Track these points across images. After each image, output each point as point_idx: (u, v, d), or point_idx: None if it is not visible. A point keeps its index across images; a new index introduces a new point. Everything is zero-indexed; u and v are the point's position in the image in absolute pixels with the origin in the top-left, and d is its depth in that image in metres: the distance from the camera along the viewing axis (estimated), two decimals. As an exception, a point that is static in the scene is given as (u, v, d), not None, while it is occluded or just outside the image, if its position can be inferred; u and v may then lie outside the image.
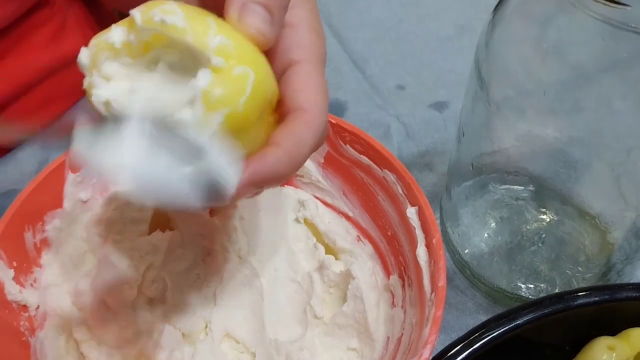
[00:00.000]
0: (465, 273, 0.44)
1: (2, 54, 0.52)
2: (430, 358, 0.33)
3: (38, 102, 0.56)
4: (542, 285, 0.43)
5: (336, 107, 0.58)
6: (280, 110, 0.28)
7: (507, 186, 0.45)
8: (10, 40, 0.52)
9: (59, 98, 0.57)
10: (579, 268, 0.44)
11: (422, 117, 0.57)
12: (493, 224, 0.46)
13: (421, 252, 0.35)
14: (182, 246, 0.39)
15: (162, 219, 0.40)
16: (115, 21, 0.28)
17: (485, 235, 0.45)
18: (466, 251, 0.44)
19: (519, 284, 0.43)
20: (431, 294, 0.33)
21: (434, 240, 0.34)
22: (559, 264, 0.44)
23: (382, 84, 0.60)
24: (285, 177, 0.27)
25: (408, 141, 0.55)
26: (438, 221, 0.48)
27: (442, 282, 0.32)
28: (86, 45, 0.28)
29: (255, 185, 0.26)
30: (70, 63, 0.57)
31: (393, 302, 0.38)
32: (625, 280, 0.44)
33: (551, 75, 0.36)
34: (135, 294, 0.36)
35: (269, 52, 0.27)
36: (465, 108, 0.40)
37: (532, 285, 0.43)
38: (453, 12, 0.67)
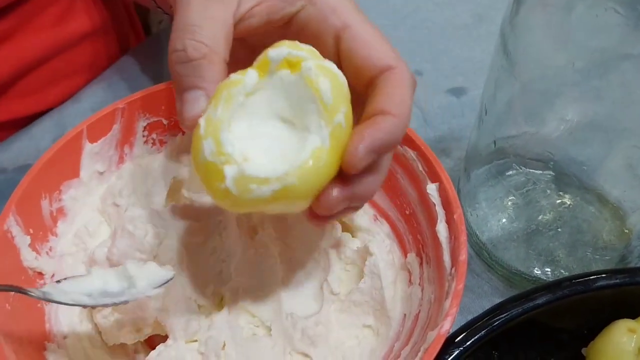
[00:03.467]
0: (482, 256, 0.44)
1: (10, 32, 0.52)
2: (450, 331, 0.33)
3: (45, 80, 0.56)
4: (560, 269, 0.43)
5: (353, 92, 0.57)
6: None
7: (527, 170, 0.44)
8: (18, 19, 0.52)
9: (66, 77, 0.57)
10: (597, 253, 0.43)
11: (439, 103, 0.56)
12: (511, 208, 0.45)
13: (441, 229, 0.34)
14: (198, 220, 0.38)
15: (177, 191, 0.40)
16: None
17: (504, 219, 0.45)
18: (484, 234, 0.44)
19: (536, 267, 0.43)
20: (451, 268, 0.32)
21: (455, 216, 0.34)
22: (576, 248, 0.44)
23: (399, 70, 0.59)
24: (398, 140, 0.29)
25: (425, 127, 0.55)
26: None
27: (463, 256, 0.32)
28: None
29: (374, 151, 0.28)
30: (77, 42, 0.57)
31: (410, 280, 0.37)
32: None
33: (574, 59, 0.36)
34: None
35: None
36: (488, 87, 0.40)
37: (549, 269, 0.43)
38: (470, 1, 0.67)
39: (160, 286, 0.32)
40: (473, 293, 0.43)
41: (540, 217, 0.44)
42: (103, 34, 0.61)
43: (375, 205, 0.42)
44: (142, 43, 0.64)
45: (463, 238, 0.33)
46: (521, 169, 0.44)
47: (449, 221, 0.34)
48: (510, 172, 0.44)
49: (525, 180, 0.44)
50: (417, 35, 0.63)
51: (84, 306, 0.33)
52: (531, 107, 0.37)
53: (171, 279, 0.32)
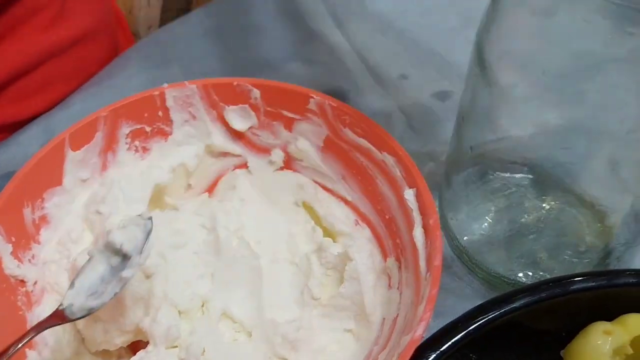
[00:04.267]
0: (463, 259, 0.44)
1: (0, 36, 0.52)
2: (425, 337, 0.33)
3: (35, 86, 0.57)
4: (540, 272, 0.43)
5: (338, 97, 0.57)
6: None
7: (507, 174, 0.45)
8: (6, 25, 0.53)
9: (56, 82, 0.58)
10: (578, 255, 0.44)
11: (424, 107, 0.57)
12: (492, 212, 0.46)
13: (418, 234, 0.35)
14: (181, 225, 0.39)
15: (159, 198, 0.40)
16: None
17: (485, 223, 0.45)
18: (465, 238, 0.44)
19: (517, 270, 0.43)
20: (427, 273, 0.33)
21: (430, 221, 0.34)
22: (557, 251, 0.44)
23: (384, 74, 0.60)
24: None
25: (409, 131, 0.55)
26: (437, 208, 0.48)
27: (437, 261, 0.32)
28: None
29: None
30: (67, 48, 0.58)
31: (390, 284, 0.38)
32: (625, 266, 0.44)
33: (553, 62, 0.36)
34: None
35: None
36: (465, 93, 0.40)
37: (530, 272, 0.43)
38: (458, 4, 0.67)
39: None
40: (455, 296, 0.44)
41: (520, 221, 0.45)
42: (93, 39, 0.62)
43: (356, 210, 0.42)
44: (132, 48, 0.64)
45: (438, 243, 0.33)
46: (500, 174, 0.44)
47: (425, 226, 0.35)
48: (490, 177, 0.45)
49: (505, 185, 0.44)
50: (403, 39, 0.64)
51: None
52: (507, 113, 0.37)
53: (150, 218, 0.33)
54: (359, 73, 0.60)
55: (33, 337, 0.31)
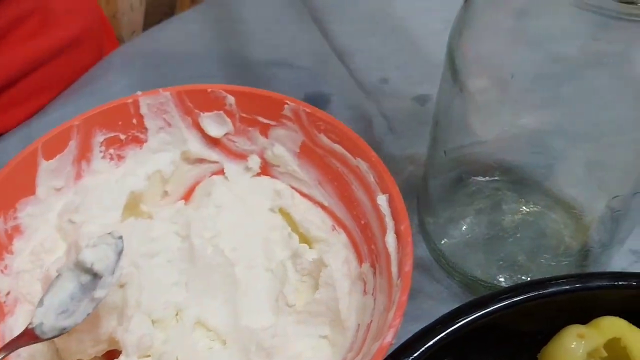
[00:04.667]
0: (441, 263, 0.44)
1: None
2: (399, 343, 0.33)
3: (23, 95, 0.56)
4: (518, 275, 0.43)
5: (319, 100, 0.58)
6: None
7: (484, 178, 0.45)
8: None
9: (43, 91, 0.58)
10: (557, 257, 0.44)
11: (404, 110, 0.57)
12: (470, 215, 0.46)
13: (390, 239, 0.35)
14: (155, 233, 0.39)
15: (134, 206, 0.40)
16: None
17: (462, 226, 0.45)
18: (443, 241, 0.44)
19: (495, 274, 0.43)
20: (398, 279, 0.33)
21: (402, 227, 0.34)
22: (536, 254, 0.44)
23: (366, 78, 0.60)
24: None
25: (390, 134, 0.55)
26: (415, 212, 0.48)
27: (408, 267, 0.32)
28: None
29: None
30: (52, 56, 0.58)
31: (365, 290, 0.38)
32: (602, 268, 0.44)
33: (524, 66, 0.36)
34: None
35: None
36: (439, 98, 0.40)
37: (508, 276, 0.43)
38: (441, 8, 0.67)
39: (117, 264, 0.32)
40: (432, 299, 0.44)
41: (498, 224, 0.45)
42: (78, 46, 0.61)
43: (333, 216, 0.42)
44: (113, 53, 0.64)
45: (409, 249, 0.33)
46: (477, 178, 0.44)
47: (397, 232, 0.35)
48: (467, 181, 0.45)
49: (482, 188, 0.45)
50: (388, 41, 0.64)
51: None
52: (479, 117, 0.37)
53: (120, 237, 0.33)
54: (340, 77, 0.60)
55: (3, 357, 0.31)
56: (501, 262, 0.44)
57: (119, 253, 0.33)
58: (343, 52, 0.62)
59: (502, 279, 0.43)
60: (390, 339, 0.30)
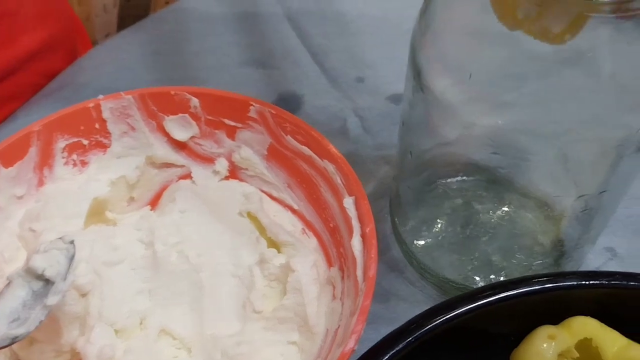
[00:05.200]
0: (414, 265, 0.44)
1: None
2: (366, 349, 0.33)
3: None
4: (493, 275, 0.43)
5: (292, 101, 0.57)
6: None
7: (455, 178, 0.44)
8: None
9: (17, 98, 0.56)
10: (531, 257, 0.43)
11: (379, 110, 0.56)
12: (442, 216, 0.45)
13: (356, 243, 0.34)
14: (118, 241, 0.38)
15: (99, 213, 0.39)
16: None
17: (434, 227, 0.45)
18: (415, 243, 0.44)
19: (469, 275, 0.43)
20: (362, 283, 0.32)
21: (367, 230, 0.34)
22: (510, 253, 0.43)
23: (340, 77, 0.59)
24: None
25: (364, 134, 0.55)
26: (388, 214, 0.47)
27: (372, 271, 0.32)
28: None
29: None
30: (23, 63, 0.57)
31: (334, 295, 0.37)
32: (577, 266, 0.43)
33: (488, 64, 0.35)
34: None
35: None
36: (405, 100, 0.40)
37: (483, 276, 0.43)
38: (417, 6, 0.66)
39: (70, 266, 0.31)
40: (406, 302, 0.43)
41: (471, 225, 0.44)
42: (50, 50, 0.60)
43: (303, 219, 0.42)
44: (84, 56, 0.63)
45: (374, 253, 0.32)
46: (449, 178, 0.44)
47: (363, 235, 0.34)
48: (439, 181, 0.44)
49: (453, 189, 0.44)
50: (361, 41, 0.63)
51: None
52: (442, 118, 0.37)
53: (72, 242, 0.32)
54: (314, 76, 0.59)
55: None
56: (475, 263, 0.44)
57: (71, 258, 0.32)
58: (317, 52, 0.62)
59: (476, 280, 0.43)
60: (352, 346, 0.29)
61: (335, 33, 0.64)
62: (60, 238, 0.32)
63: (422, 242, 0.44)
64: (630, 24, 0.30)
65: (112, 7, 0.74)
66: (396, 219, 0.45)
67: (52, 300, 0.31)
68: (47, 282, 0.32)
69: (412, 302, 0.43)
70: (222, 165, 0.42)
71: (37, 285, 0.32)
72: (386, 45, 0.62)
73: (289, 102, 0.57)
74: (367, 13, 0.66)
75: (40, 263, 0.31)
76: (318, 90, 0.58)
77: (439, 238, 0.44)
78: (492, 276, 0.43)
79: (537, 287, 0.36)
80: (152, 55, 0.62)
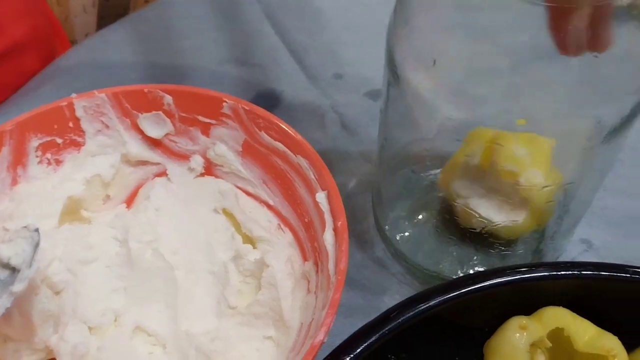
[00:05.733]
0: (398, 259, 0.44)
1: None
2: (337, 342, 0.33)
3: None
4: (473, 267, 0.43)
5: (271, 98, 0.57)
6: None
7: (434, 171, 0.44)
8: None
9: None
10: (510, 247, 0.43)
11: (357, 106, 0.56)
12: (423, 210, 0.45)
13: (328, 237, 0.34)
14: (93, 239, 0.38)
15: (72, 211, 0.39)
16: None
17: (415, 221, 0.45)
18: (398, 237, 0.44)
19: (451, 267, 0.43)
20: (334, 277, 0.32)
21: (339, 224, 0.34)
22: (489, 245, 0.44)
23: (319, 74, 0.59)
24: None
25: (343, 131, 0.55)
26: (370, 210, 0.48)
27: (343, 264, 0.32)
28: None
29: None
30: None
31: (308, 289, 0.37)
32: (555, 257, 0.44)
33: (462, 57, 0.36)
34: (38, 287, 0.35)
35: None
36: (384, 96, 0.40)
37: (463, 268, 0.43)
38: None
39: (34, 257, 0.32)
40: (389, 295, 0.44)
41: (454, 218, 0.44)
42: (26, 50, 0.60)
43: (278, 214, 0.42)
44: (63, 56, 0.63)
45: (345, 246, 0.33)
46: (430, 171, 0.44)
47: (335, 229, 0.34)
48: (419, 176, 0.44)
49: (433, 182, 0.44)
50: (342, 37, 0.63)
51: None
52: (427, 112, 0.37)
53: (37, 230, 0.32)
54: (293, 73, 0.60)
55: None
56: (454, 254, 0.44)
57: (36, 246, 0.32)
58: (296, 49, 0.62)
59: (457, 271, 0.43)
60: (321, 338, 0.29)
61: (314, 30, 0.64)
62: (25, 227, 0.32)
63: (403, 235, 0.44)
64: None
65: (91, 7, 0.73)
66: (380, 214, 0.45)
67: (17, 287, 0.31)
68: (14, 270, 0.32)
69: (395, 294, 0.44)
70: (197, 162, 0.42)
71: (4, 274, 0.32)
72: (365, 42, 0.62)
73: (267, 99, 0.57)
74: (345, 10, 0.66)
75: (5, 252, 0.31)
76: (297, 87, 0.58)
77: (420, 231, 0.44)
78: (474, 268, 0.43)
79: (509, 279, 0.37)
80: (131, 54, 0.62)
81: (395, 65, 0.36)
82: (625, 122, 0.32)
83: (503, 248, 0.44)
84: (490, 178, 0.39)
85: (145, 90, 0.40)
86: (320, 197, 0.36)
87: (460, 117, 0.37)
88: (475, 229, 0.42)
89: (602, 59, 0.30)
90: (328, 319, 0.30)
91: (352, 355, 0.33)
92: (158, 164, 0.43)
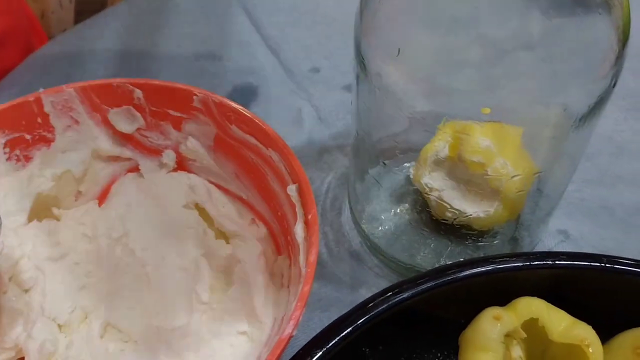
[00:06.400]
0: (374, 252, 0.44)
1: None
2: (309, 336, 0.32)
3: None
4: (450, 259, 0.43)
5: (248, 92, 0.57)
6: None
7: (408, 164, 0.44)
8: None
9: None
10: (485, 238, 0.43)
11: (334, 100, 0.56)
12: (398, 202, 0.45)
13: (299, 229, 0.34)
14: (61, 236, 0.37)
15: (42, 208, 0.39)
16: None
17: (390, 214, 0.45)
18: (374, 231, 0.44)
19: (427, 258, 0.43)
20: (304, 269, 0.32)
21: (309, 216, 0.33)
22: (464, 235, 0.44)
23: (296, 68, 0.59)
24: None
25: (320, 124, 0.54)
26: (346, 204, 0.47)
27: (313, 257, 0.31)
28: None
29: None
30: None
31: (282, 283, 0.37)
32: (531, 246, 0.44)
33: (429, 49, 0.35)
34: (6, 285, 0.34)
35: None
36: (354, 90, 0.40)
37: (440, 259, 0.43)
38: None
39: None
40: (366, 288, 0.43)
41: (426, 210, 0.44)
42: (2, 46, 0.59)
43: (252, 208, 0.41)
44: (36, 53, 0.62)
45: (314, 239, 0.32)
46: (404, 164, 0.44)
47: (306, 222, 0.34)
48: (394, 169, 0.44)
49: (407, 176, 0.44)
50: (316, 31, 0.63)
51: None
52: (396, 105, 0.37)
53: None
54: (269, 67, 0.59)
55: None
56: (431, 246, 0.44)
57: None
58: (273, 43, 0.61)
59: (435, 264, 0.43)
60: (290, 331, 0.29)
61: (291, 24, 0.63)
62: None
63: (379, 229, 0.44)
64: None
65: (68, 2, 0.73)
66: (355, 207, 0.45)
67: None
68: None
69: (372, 287, 0.43)
70: (169, 157, 0.42)
71: None
72: (341, 35, 0.62)
73: (244, 94, 0.57)
74: (322, 4, 0.66)
75: None
76: (273, 81, 0.58)
77: (396, 224, 0.44)
78: (447, 259, 0.43)
79: (483, 269, 0.37)
80: (106, 50, 0.61)
81: (363, 57, 0.36)
82: (593, 109, 0.32)
83: (478, 239, 0.44)
84: (460, 170, 0.39)
85: (114, 84, 0.40)
86: (292, 189, 0.35)
87: (427, 109, 0.37)
88: (449, 221, 0.42)
89: (567, 47, 0.30)
90: (297, 312, 0.29)
91: (325, 349, 0.33)
92: (130, 159, 0.42)
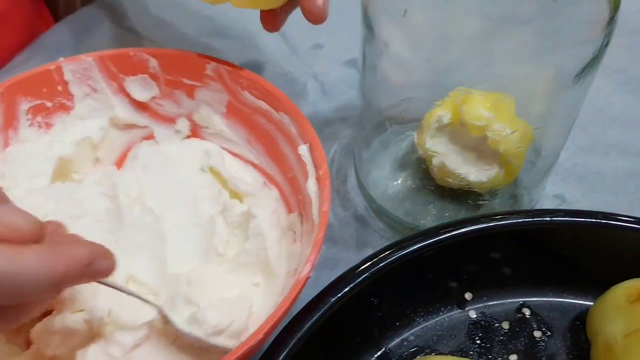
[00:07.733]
0: (380, 217, 0.46)
1: None
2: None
3: None
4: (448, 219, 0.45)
5: (253, 69, 0.58)
6: None
7: (412, 131, 0.46)
8: None
9: None
10: (486, 197, 0.45)
11: (337, 74, 0.58)
12: (401, 168, 0.47)
13: (311, 185, 0.36)
14: (82, 195, 0.39)
15: (64, 172, 0.41)
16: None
17: (395, 179, 0.47)
18: (380, 195, 0.46)
19: (431, 220, 0.45)
20: (317, 219, 0.34)
21: (321, 172, 0.35)
22: (465, 196, 0.45)
23: (300, 45, 0.61)
24: None
25: (323, 97, 0.56)
26: (352, 171, 0.49)
27: (325, 207, 0.33)
28: None
29: None
30: None
31: (294, 239, 0.39)
32: (531, 205, 0.46)
33: (437, 10, 0.37)
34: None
35: None
36: (360, 56, 0.42)
37: (438, 221, 0.45)
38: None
39: None
40: (371, 249, 0.45)
41: (429, 176, 0.46)
42: (4, 24, 0.60)
43: (263, 172, 0.43)
44: (46, 33, 0.63)
45: (327, 191, 0.34)
46: (408, 132, 0.46)
47: (317, 177, 0.36)
48: (399, 137, 0.46)
49: (412, 142, 0.46)
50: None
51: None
52: (403, 75, 0.39)
53: None
54: (274, 44, 0.61)
55: None
56: (433, 211, 0.46)
57: None
58: (277, 21, 0.63)
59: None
60: (306, 273, 0.31)
61: (293, 3, 0.65)
62: None
63: (384, 193, 0.46)
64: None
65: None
66: (361, 174, 0.46)
67: None
68: None
69: (377, 248, 0.45)
70: (183, 124, 0.44)
71: None
72: (343, 11, 0.63)
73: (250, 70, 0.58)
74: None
75: None
76: (278, 58, 0.60)
77: (400, 189, 0.46)
78: (450, 220, 0.45)
79: (483, 226, 0.38)
80: (113, 29, 0.63)
81: (369, 19, 0.38)
82: (585, 69, 0.34)
83: (478, 200, 0.46)
84: (461, 134, 0.41)
85: (131, 53, 0.42)
86: (303, 149, 0.37)
87: (431, 71, 0.39)
88: (451, 186, 0.44)
89: (560, 9, 0.32)
90: (312, 256, 0.31)
91: (337, 296, 0.35)
92: (145, 127, 0.44)
